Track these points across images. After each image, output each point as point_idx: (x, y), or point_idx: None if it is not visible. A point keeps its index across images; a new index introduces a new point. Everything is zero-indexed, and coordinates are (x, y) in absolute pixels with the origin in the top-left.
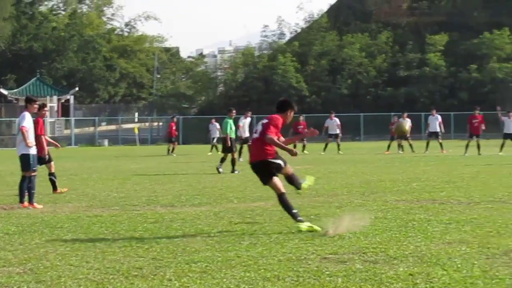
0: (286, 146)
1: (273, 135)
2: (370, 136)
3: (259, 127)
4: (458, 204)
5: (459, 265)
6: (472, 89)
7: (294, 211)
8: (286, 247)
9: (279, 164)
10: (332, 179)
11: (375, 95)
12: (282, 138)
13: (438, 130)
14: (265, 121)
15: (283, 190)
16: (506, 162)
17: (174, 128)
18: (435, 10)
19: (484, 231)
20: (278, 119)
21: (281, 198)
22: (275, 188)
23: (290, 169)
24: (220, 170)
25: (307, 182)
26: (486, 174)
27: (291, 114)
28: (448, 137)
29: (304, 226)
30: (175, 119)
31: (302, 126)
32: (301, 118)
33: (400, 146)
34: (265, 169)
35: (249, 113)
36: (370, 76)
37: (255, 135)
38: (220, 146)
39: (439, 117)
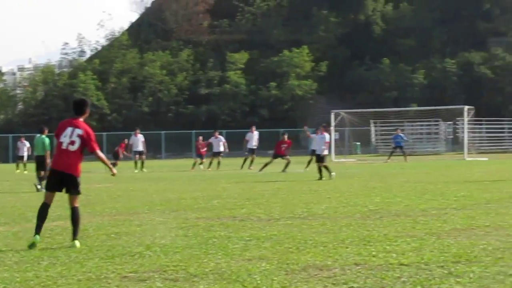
0: (109, 163)
1: (99, 150)
2: (171, 153)
3: (74, 139)
4: (258, 220)
5: (258, 282)
6: (273, 106)
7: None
8: (86, 266)
9: (79, 188)
10: (133, 197)
11: (176, 112)
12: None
13: (255, 146)
14: (80, 131)
15: (77, 204)
16: (306, 178)
17: None
18: (235, 28)
19: (284, 247)
20: (92, 131)
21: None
22: (76, 200)
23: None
24: (39, 187)
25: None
26: (286, 190)
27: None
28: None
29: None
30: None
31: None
32: (126, 141)
33: (201, 164)
34: (74, 185)
35: (46, 131)
36: (171, 93)
37: (72, 147)
38: (29, 165)
39: (257, 134)
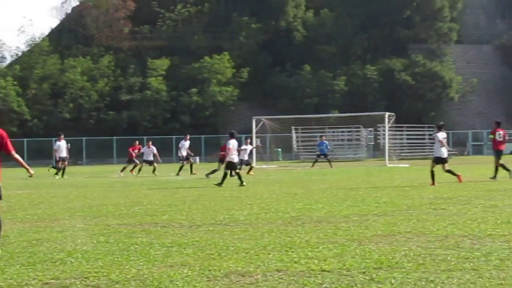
0: (25, 164)
1: (14, 152)
2: (93, 160)
3: None
4: (180, 227)
5: None
6: (194, 113)
7: None
8: (7, 273)
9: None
10: (53, 204)
11: (98, 119)
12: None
13: (186, 153)
14: None
15: None
16: (227, 185)
17: None
18: (156, 34)
19: (206, 254)
20: (6, 134)
21: None
22: None
23: None
24: None
25: None
26: (207, 197)
27: None
28: (171, 160)
29: None
30: None
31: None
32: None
33: (124, 170)
34: None
35: None
36: (92, 100)
37: None
38: None
39: (189, 142)
